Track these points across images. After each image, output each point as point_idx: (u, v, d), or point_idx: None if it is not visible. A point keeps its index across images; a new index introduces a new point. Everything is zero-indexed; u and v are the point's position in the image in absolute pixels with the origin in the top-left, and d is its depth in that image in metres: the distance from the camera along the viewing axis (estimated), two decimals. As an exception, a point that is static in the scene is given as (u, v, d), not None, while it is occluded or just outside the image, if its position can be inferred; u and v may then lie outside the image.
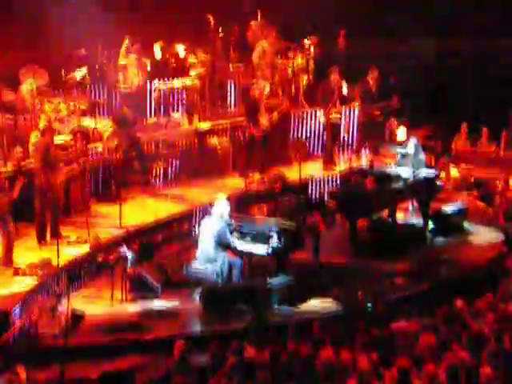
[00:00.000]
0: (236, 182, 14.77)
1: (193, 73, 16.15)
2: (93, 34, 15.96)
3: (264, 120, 14.78)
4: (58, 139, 13.39)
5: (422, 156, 14.01)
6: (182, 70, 16.34)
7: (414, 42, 19.32)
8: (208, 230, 11.35)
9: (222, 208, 11.43)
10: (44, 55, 15.81)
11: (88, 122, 14.52)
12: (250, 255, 11.49)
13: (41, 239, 12.16)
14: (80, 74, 15.25)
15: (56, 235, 12.02)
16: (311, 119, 16.37)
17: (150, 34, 16.88)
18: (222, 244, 11.28)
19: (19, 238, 11.98)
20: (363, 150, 16.10)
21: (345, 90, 15.89)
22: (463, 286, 11.30)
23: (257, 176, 14.76)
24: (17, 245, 11.68)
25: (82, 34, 15.72)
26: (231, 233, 11.41)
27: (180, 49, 16.57)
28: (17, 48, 15.87)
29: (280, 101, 16.14)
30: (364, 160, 15.73)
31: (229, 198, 11.77)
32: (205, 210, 12.61)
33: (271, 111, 15.10)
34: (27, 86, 14.33)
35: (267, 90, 15.38)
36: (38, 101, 14.25)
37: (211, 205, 11.71)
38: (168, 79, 15.73)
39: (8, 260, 11.41)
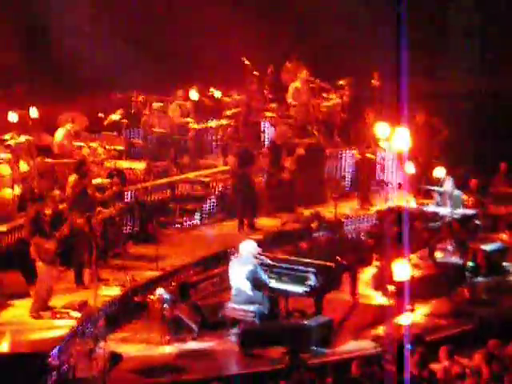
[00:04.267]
0: (272, 222, 14.73)
1: (228, 113, 16.26)
2: (129, 79, 16.23)
3: (287, 163, 14.83)
4: (96, 182, 13.52)
5: (460, 195, 13.86)
6: (217, 110, 16.50)
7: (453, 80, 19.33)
8: (238, 271, 11.31)
9: (249, 249, 11.39)
10: (83, 99, 16.07)
11: (124, 164, 14.64)
12: (286, 295, 11.43)
13: (78, 281, 12.20)
14: (116, 116, 15.45)
15: (95, 278, 12.04)
16: (346, 158, 16.37)
17: (187, 79, 17.07)
18: (257, 284, 11.22)
19: (59, 280, 12.03)
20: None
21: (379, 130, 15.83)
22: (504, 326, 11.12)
23: (289, 216, 14.69)
24: (55, 288, 11.72)
25: (120, 78, 16.01)
26: (265, 272, 11.35)
27: (215, 91, 16.73)
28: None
29: (314, 140, 16.16)
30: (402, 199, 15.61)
31: (259, 239, 11.66)
32: (235, 251, 12.56)
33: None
34: (65, 129, 14.54)
35: (288, 134, 15.44)
36: (76, 144, 14.44)
37: (239, 246, 11.67)
38: (204, 120, 15.87)
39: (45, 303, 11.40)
